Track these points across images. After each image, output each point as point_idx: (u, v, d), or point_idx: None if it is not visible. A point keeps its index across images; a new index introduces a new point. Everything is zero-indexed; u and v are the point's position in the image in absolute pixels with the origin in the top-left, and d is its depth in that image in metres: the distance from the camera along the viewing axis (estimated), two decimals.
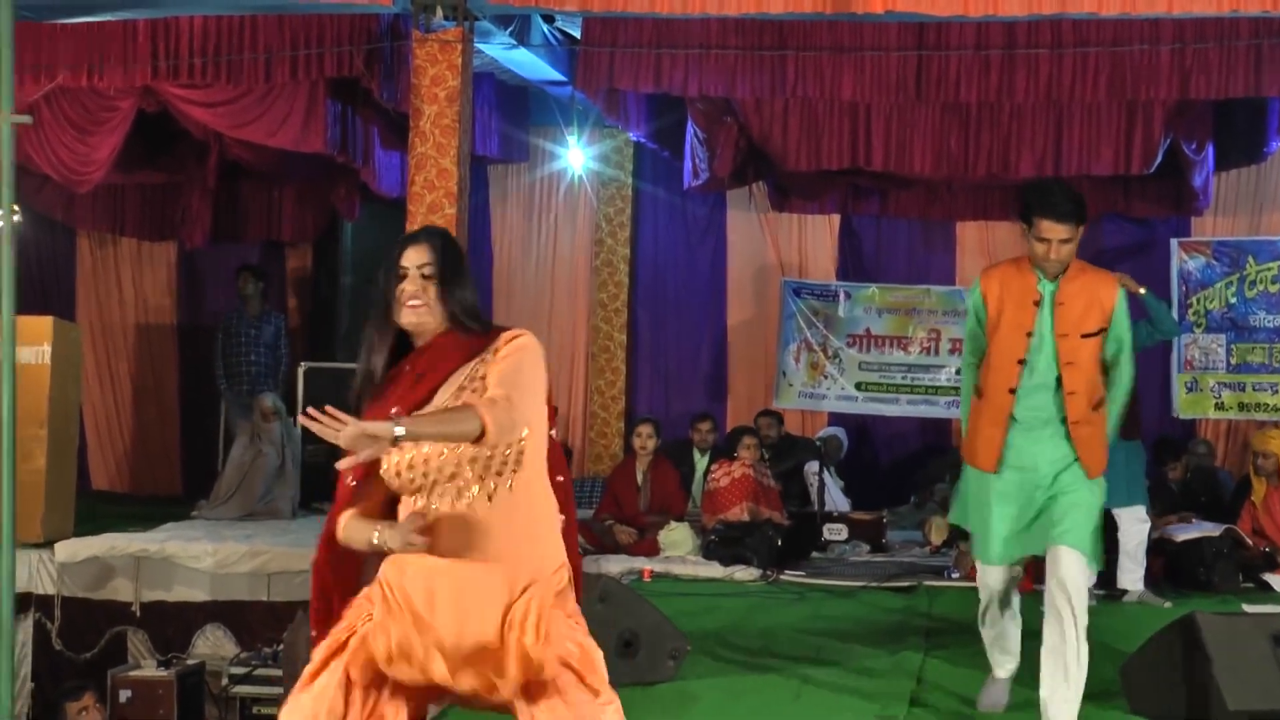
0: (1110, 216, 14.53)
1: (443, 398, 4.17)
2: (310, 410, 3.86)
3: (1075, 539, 6.16)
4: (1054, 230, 6.10)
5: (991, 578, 6.54)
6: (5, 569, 7.51)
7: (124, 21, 11.84)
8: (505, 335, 4.21)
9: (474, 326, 4.24)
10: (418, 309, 4.22)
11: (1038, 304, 6.23)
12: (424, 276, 4.23)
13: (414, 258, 4.26)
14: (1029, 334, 6.23)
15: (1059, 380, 6.24)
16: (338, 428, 3.83)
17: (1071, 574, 6.11)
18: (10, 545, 7.51)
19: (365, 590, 4.23)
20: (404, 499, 4.17)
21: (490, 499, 4.07)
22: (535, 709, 4.09)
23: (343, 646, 4.17)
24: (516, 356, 4.15)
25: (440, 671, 4.10)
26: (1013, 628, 6.72)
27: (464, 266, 4.32)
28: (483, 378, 4.13)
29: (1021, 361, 6.25)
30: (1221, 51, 11.39)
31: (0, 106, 7.40)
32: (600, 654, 4.22)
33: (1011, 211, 14.50)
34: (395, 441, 3.87)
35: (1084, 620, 6.14)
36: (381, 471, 4.16)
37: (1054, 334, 6.22)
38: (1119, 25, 11.35)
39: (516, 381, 4.09)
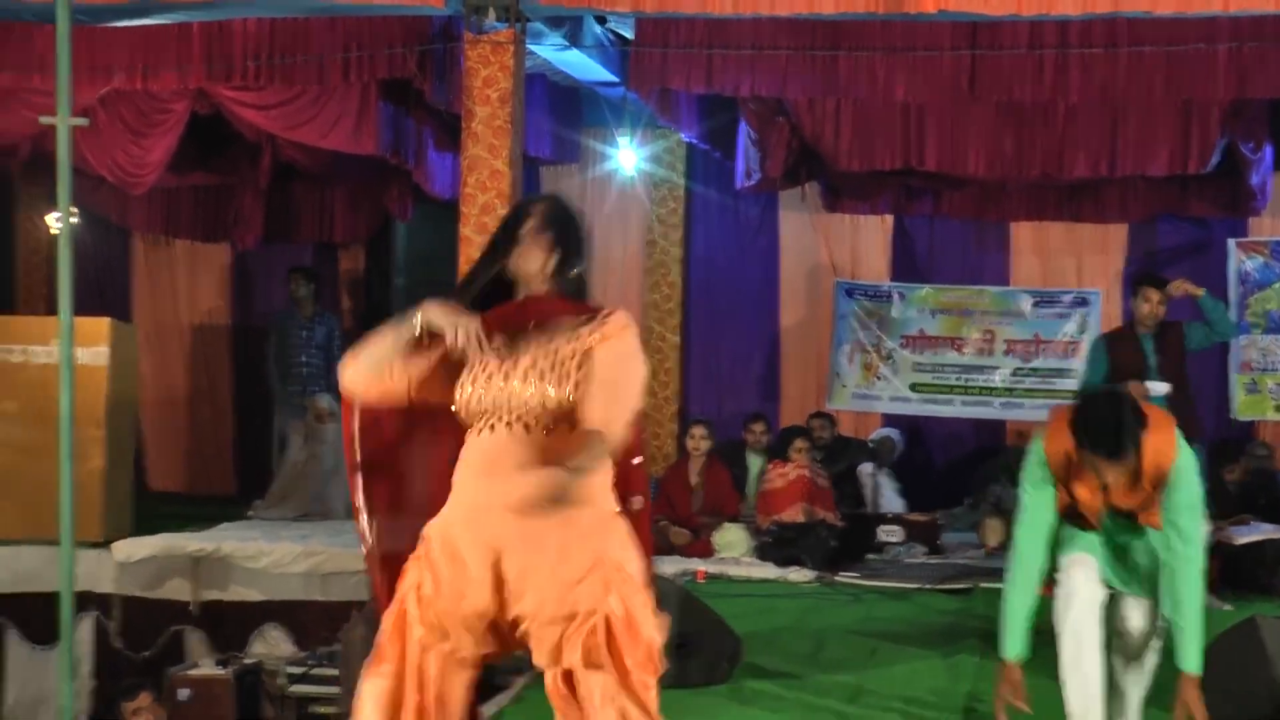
0: (1166, 217, 14.45)
1: (542, 350, 4.10)
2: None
3: (1150, 589, 5.95)
4: (1103, 471, 5.57)
5: (1078, 579, 5.87)
6: (65, 568, 7.56)
7: (178, 25, 11.89)
8: (614, 316, 4.17)
9: (582, 298, 4.27)
10: (531, 253, 4.20)
11: (1105, 487, 5.73)
12: (543, 225, 4.22)
13: (538, 208, 4.26)
14: (1097, 512, 5.86)
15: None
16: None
17: (1136, 620, 5.97)
18: (70, 545, 7.56)
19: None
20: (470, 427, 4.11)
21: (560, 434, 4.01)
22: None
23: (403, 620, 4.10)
24: (628, 363, 4.12)
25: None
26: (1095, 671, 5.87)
27: (584, 238, 4.35)
28: (587, 351, 4.08)
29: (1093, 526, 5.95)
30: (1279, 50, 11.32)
31: (58, 109, 7.45)
32: (651, 626, 4.00)
33: (1065, 212, 14.52)
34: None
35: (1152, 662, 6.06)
36: (456, 399, 4.12)
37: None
38: (1174, 24, 11.26)
39: (628, 387, 4.08)
